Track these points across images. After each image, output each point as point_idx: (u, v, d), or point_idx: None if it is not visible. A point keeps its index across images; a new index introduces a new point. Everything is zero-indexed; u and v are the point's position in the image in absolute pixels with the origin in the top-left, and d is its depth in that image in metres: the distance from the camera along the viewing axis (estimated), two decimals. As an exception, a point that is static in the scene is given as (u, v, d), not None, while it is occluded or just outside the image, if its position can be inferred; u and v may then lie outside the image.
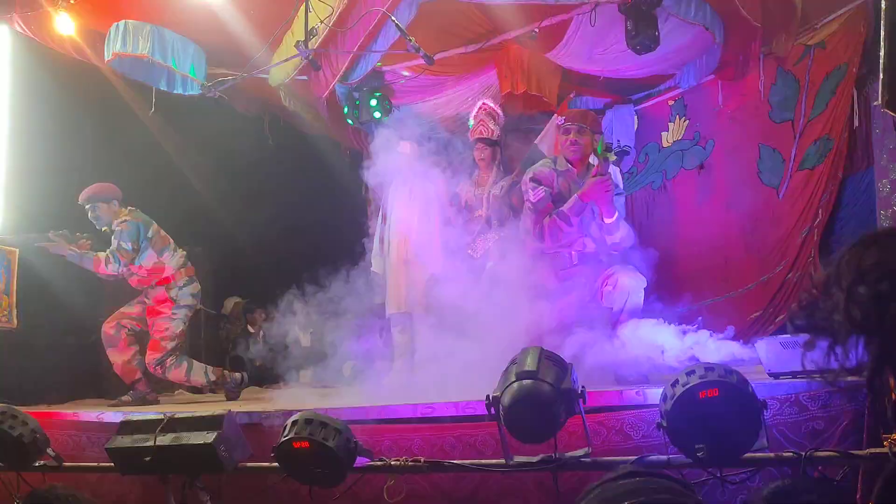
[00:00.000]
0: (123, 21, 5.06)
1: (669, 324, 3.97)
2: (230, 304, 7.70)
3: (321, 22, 4.54)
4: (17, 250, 5.62)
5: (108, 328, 5.20)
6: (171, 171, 6.48)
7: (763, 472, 2.63)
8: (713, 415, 2.36)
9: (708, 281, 5.70)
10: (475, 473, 3.09)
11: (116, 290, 6.56)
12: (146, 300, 5.25)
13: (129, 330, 5.19)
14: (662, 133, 6.22)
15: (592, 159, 4.22)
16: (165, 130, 6.27)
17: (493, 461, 2.93)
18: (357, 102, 5.80)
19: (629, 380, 3.80)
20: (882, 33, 2.71)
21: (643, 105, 6.34)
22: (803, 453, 2.46)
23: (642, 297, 4.16)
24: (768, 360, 3.17)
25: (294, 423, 2.89)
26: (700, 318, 4.18)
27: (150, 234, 5.13)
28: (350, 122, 6.09)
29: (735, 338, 3.84)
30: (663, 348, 3.84)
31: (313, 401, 4.44)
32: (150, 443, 3.11)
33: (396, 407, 3.58)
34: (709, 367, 2.46)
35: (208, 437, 3.01)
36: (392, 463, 2.97)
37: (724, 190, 5.73)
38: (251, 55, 5.03)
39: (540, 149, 5.93)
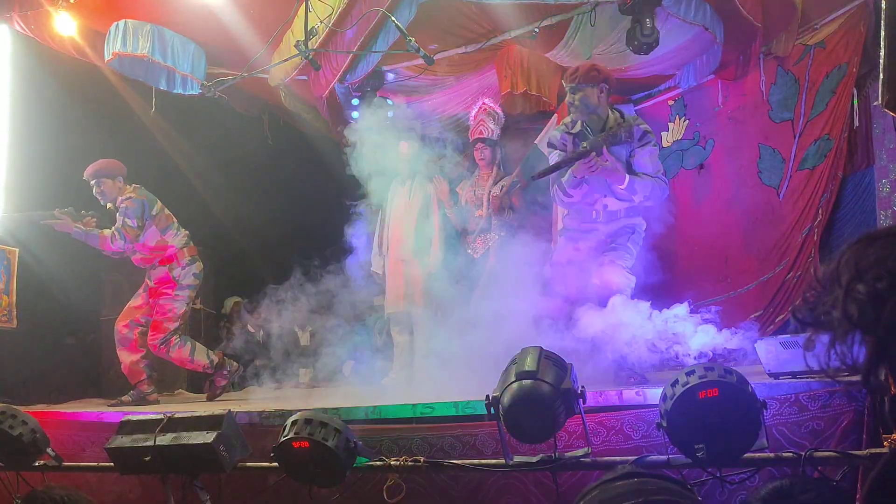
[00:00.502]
0: (123, 21, 5.06)
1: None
2: (230, 303, 7.70)
3: (321, 22, 4.54)
4: (17, 250, 5.63)
5: (121, 327, 5.19)
6: (170, 170, 6.48)
7: (763, 473, 2.63)
8: (713, 415, 2.36)
9: (708, 281, 5.69)
10: (475, 473, 3.09)
11: (116, 290, 6.57)
12: (149, 282, 5.22)
13: (141, 329, 5.18)
14: (662, 133, 6.21)
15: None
16: (165, 130, 6.27)
17: (493, 461, 2.94)
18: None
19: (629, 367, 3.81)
20: (882, 33, 2.71)
21: (643, 105, 6.34)
22: (803, 453, 2.46)
23: (627, 296, 4.16)
24: (768, 360, 3.17)
25: (294, 422, 2.89)
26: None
27: (154, 212, 5.13)
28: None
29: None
30: (636, 325, 3.87)
31: (297, 401, 4.44)
32: (150, 442, 3.11)
33: (396, 407, 3.58)
34: (708, 368, 2.46)
35: (208, 436, 3.01)
36: (392, 463, 2.97)
37: (724, 190, 5.72)
38: (251, 55, 5.03)
39: (540, 149, 5.93)
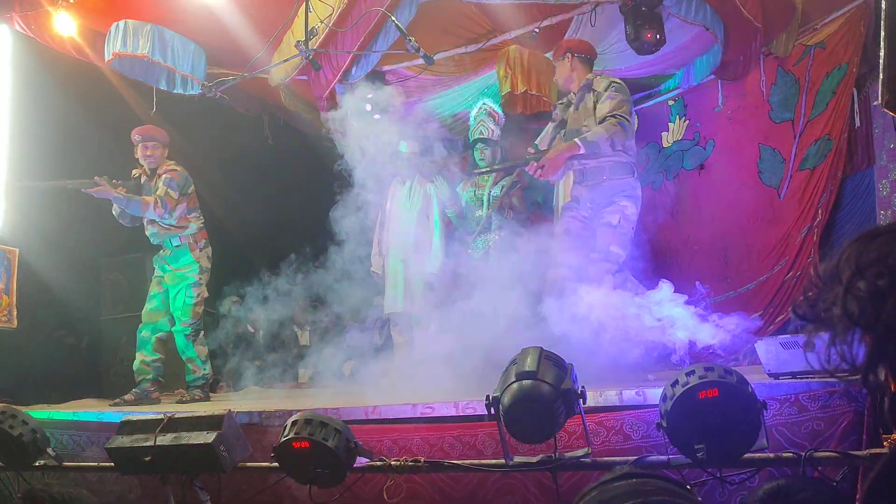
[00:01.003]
0: (123, 21, 5.06)
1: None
2: (229, 303, 7.69)
3: (321, 22, 4.54)
4: (17, 250, 5.63)
5: (143, 334, 5.17)
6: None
7: (763, 473, 2.63)
8: (713, 415, 2.36)
9: (708, 280, 5.69)
10: (475, 473, 3.09)
11: (116, 290, 6.58)
12: (161, 272, 5.20)
13: (162, 335, 5.18)
14: (662, 133, 6.22)
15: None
16: (165, 130, 6.26)
17: (493, 461, 2.94)
18: None
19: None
20: (882, 33, 2.71)
21: (643, 105, 6.34)
22: (803, 453, 2.46)
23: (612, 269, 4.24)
24: (768, 360, 3.16)
25: (294, 423, 2.89)
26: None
27: (189, 190, 5.20)
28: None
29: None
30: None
31: (297, 401, 4.44)
32: (150, 443, 3.11)
33: (396, 407, 3.58)
34: (708, 368, 2.46)
35: (208, 436, 3.01)
36: (392, 463, 2.97)
37: (724, 190, 5.73)
38: (251, 55, 5.03)
39: (540, 149, 5.93)
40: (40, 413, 4.12)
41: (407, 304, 5.49)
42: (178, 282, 5.16)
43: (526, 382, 2.52)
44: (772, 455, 2.51)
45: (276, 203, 7.05)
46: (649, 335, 3.89)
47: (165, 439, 3.09)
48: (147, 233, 5.22)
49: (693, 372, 2.46)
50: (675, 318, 3.91)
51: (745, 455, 2.44)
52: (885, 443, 2.51)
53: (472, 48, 5.43)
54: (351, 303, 5.54)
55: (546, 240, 5.25)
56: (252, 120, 6.84)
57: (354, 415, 3.51)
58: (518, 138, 6.15)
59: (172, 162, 5.21)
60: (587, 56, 4.46)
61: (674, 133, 6.15)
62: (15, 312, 5.54)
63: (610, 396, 3.18)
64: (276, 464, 2.97)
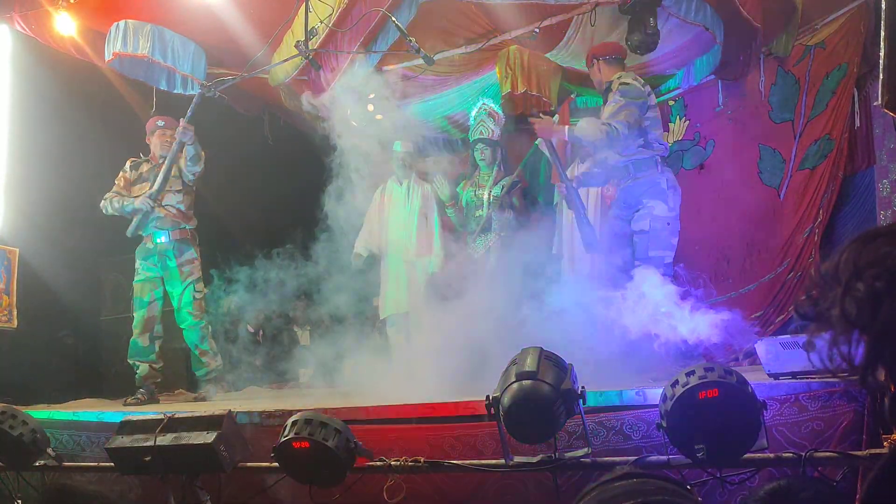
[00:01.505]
0: (124, 21, 5.06)
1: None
2: (229, 303, 7.69)
3: (321, 22, 4.54)
4: (18, 250, 5.63)
5: (143, 341, 5.13)
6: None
7: (763, 473, 2.63)
8: (713, 415, 2.36)
9: (709, 281, 5.70)
10: (475, 473, 3.09)
11: (116, 290, 6.58)
12: (172, 261, 5.13)
13: (160, 340, 5.20)
14: (663, 133, 6.21)
15: None
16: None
17: (493, 461, 2.94)
18: None
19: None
20: (882, 33, 2.71)
21: (643, 105, 6.33)
22: (803, 454, 2.47)
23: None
24: (768, 360, 3.16)
25: (294, 423, 2.89)
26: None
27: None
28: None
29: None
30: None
31: (297, 401, 4.44)
32: (150, 443, 3.11)
33: (396, 407, 3.58)
34: (708, 368, 2.46)
35: (208, 436, 3.01)
36: (392, 463, 2.98)
37: (724, 190, 5.72)
38: (251, 55, 5.03)
39: (540, 149, 5.93)
40: (40, 413, 4.12)
41: (407, 305, 5.49)
42: (184, 277, 5.14)
43: (526, 383, 2.52)
44: (772, 455, 2.51)
45: (277, 203, 7.05)
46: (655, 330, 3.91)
47: (165, 439, 3.10)
48: (153, 223, 5.12)
49: (693, 372, 2.46)
50: (657, 303, 3.92)
51: (745, 455, 2.44)
52: (885, 443, 2.51)
53: (472, 48, 5.43)
54: (351, 302, 5.53)
55: (546, 240, 5.26)
56: (252, 120, 6.83)
57: (354, 415, 3.51)
58: (518, 139, 6.16)
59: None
60: (612, 57, 4.52)
61: (674, 133, 6.15)
62: (15, 312, 5.54)
63: (610, 396, 3.18)
64: (276, 464, 2.98)
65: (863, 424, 2.73)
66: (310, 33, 4.41)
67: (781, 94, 5.49)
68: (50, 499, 1.93)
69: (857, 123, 5.19)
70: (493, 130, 5.62)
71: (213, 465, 3.04)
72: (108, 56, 5.14)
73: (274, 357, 5.96)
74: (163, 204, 5.11)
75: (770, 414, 2.80)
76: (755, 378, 2.79)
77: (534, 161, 6.02)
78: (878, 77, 2.84)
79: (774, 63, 5.49)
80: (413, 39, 4.31)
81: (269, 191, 7.10)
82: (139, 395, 4.95)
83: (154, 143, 5.22)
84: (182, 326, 5.20)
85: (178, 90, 5.48)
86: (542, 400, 2.49)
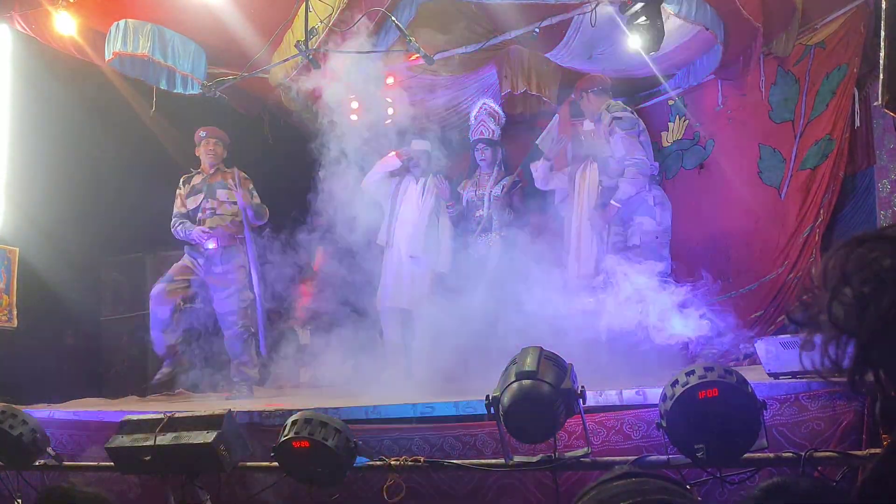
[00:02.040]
0: (124, 20, 5.05)
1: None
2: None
3: (321, 22, 4.53)
4: (18, 250, 5.62)
5: (160, 313, 5.29)
6: (171, 170, 6.47)
7: (763, 473, 2.63)
8: (713, 415, 2.36)
9: (709, 281, 5.69)
10: (475, 473, 3.09)
11: (116, 290, 6.58)
12: (223, 263, 5.24)
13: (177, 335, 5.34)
14: (662, 133, 6.21)
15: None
16: (166, 130, 6.26)
17: (493, 461, 2.94)
18: None
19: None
20: (882, 33, 2.71)
21: (643, 105, 6.33)
22: (803, 453, 2.47)
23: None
24: (768, 360, 3.17)
25: (294, 422, 2.89)
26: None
27: None
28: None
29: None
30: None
31: (297, 401, 4.44)
32: (150, 442, 3.11)
33: (396, 406, 3.58)
34: (708, 368, 2.46)
35: (208, 436, 3.01)
36: (392, 463, 2.98)
37: (724, 190, 5.72)
38: (251, 55, 5.02)
39: (541, 149, 5.93)
40: (40, 413, 4.12)
41: (408, 301, 5.48)
42: (229, 284, 5.24)
43: (526, 382, 2.52)
44: (772, 455, 2.52)
45: (277, 202, 7.04)
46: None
47: (165, 439, 3.09)
48: (206, 233, 5.25)
49: (693, 372, 2.46)
50: (646, 295, 4.05)
51: (745, 455, 2.44)
52: (884, 443, 2.51)
53: (472, 48, 5.42)
54: (351, 301, 5.54)
55: (546, 239, 5.26)
56: (252, 120, 6.83)
57: (354, 415, 3.51)
58: (519, 138, 6.17)
59: (238, 170, 5.44)
60: (598, 88, 5.04)
61: (673, 133, 6.15)
62: (15, 312, 5.54)
63: (610, 396, 3.19)
64: (276, 463, 2.98)
65: (863, 424, 2.73)
66: (310, 33, 4.41)
67: (781, 93, 5.49)
68: (47, 501, 1.93)
69: (858, 123, 5.18)
70: (493, 130, 5.62)
71: (213, 464, 3.04)
72: (108, 55, 5.13)
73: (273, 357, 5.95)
74: (217, 213, 5.28)
75: (770, 414, 2.80)
76: (755, 378, 2.79)
77: (534, 160, 6.02)
78: (878, 77, 2.84)
79: (774, 63, 5.49)
80: (413, 39, 4.31)
81: (270, 191, 7.10)
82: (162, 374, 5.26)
83: (200, 153, 5.41)
84: (226, 334, 5.29)
85: (178, 90, 5.48)
86: (542, 399, 2.49)
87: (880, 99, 2.84)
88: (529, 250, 5.15)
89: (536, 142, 5.97)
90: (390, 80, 5.68)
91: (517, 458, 2.78)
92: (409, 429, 3.42)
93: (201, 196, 5.33)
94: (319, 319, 5.83)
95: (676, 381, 2.48)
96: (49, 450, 3.54)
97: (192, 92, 5.42)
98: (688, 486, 1.06)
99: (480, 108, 5.70)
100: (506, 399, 2.53)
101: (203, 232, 5.19)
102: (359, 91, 5.21)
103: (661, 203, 4.79)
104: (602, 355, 5.03)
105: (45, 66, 5.74)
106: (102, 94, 5.96)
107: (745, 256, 5.60)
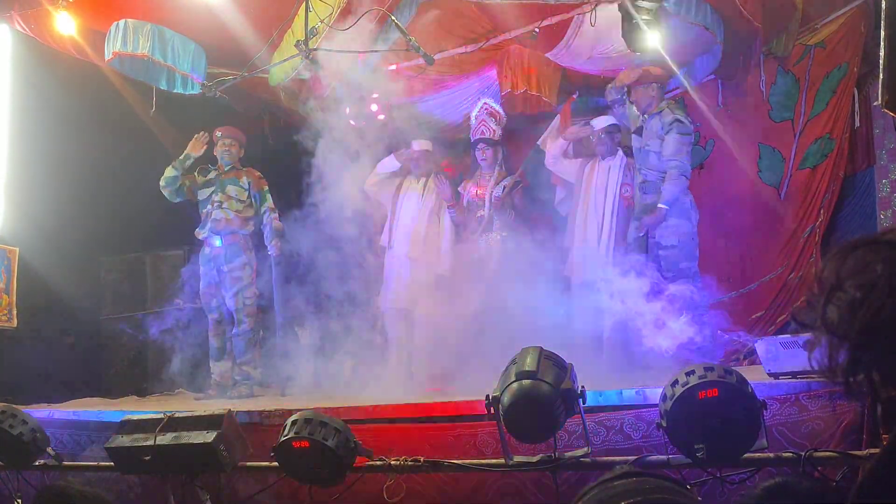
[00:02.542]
0: (123, 20, 5.05)
1: None
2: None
3: (321, 21, 4.53)
4: (17, 250, 5.62)
5: (216, 342, 5.36)
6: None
7: (763, 473, 2.63)
8: (713, 415, 2.36)
9: (710, 280, 5.69)
10: (475, 473, 3.09)
11: (117, 289, 6.58)
12: (228, 262, 5.29)
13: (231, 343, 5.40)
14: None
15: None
16: (166, 130, 6.26)
17: (493, 461, 2.94)
18: None
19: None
20: (882, 33, 2.71)
21: (643, 105, 6.32)
22: (803, 453, 2.46)
23: None
24: (768, 360, 3.17)
25: (294, 422, 2.89)
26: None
27: None
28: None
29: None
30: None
31: (297, 401, 4.44)
32: (150, 442, 3.11)
33: (396, 406, 3.58)
34: (708, 368, 2.46)
35: (208, 436, 3.01)
36: (392, 463, 2.97)
37: (724, 189, 5.72)
38: (251, 55, 5.02)
39: (542, 149, 5.92)
40: (40, 413, 4.12)
41: (408, 302, 5.48)
42: (234, 283, 5.27)
43: (526, 382, 2.52)
44: (772, 455, 2.51)
45: (277, 202, 7.04)
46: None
47: (165, 439, 3.09)
48: (210, 226, 5.31)
49: (693, 371, 2.46)
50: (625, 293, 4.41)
51: (745, 455, 2.44)
52: (884, 442, 2.51)
53: (472, 48, 5.42)
54: (350, 301, 5.53)
55: (547, 239, 5.26)
56: (252, 120, 6.83)
57: (354, 414, 3.51)
58: (520, 138, 6.16)
59: (254, 170, 5.55)
60: (664, 85, 5.07)
61: (674, 133, 6.14)
62: (15, 312, 5.54)
63: (610, 396, 3.19)
64: (276, 463, 2.97)
65: (863, 424, 2.73)
66: (310, 33, 4.40)
67: (781, 93, 5.49)
68: (44, 500, 1.93)
69: (857, 123, 5.18)
70: (494, 130, 5.62)
71: (213, 464, 3.04)
72: (107, 55, 5.13)
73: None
74: (223, 206, 5.32)
75: (770, 414, 2.80)
76: (755, 378, 2.79)
77: (535, 161, 6.02)
78: (878, 77, 2.84)
79: (774, 63, 5.49)
80: (413, 39, 4.31)
81: (270, 190, 7.09)
82: (209, 392, 5.23)
83: (217, 152, 5.49)
84: (231, 332, 5.33)
85: (178, 90, 5.47)
86: (542, 399, 2.49)
87: (880, 99, 2.84)
88: (530, 250, 5.15)
89: (538, 142, 5.97)
90: (390, 80, 5.67)
91: (517, 458, 2.77)
92: (409, 429, 3.42)
93: (211, 189, 5.39)
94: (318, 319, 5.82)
95: (676, 381, 2.48)
96: (49, 450, 3.54)
97: (192, 92, 5.41)
98: (688, 486, 1.07)
99: (481, 107, 5.69)
100: (506, 399, 2.53)
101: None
102: (358, 91, 5.20)
103: (694, 207, 4.92)
104: (604, 355, 5.05)
105: (45, 66, 5.73)
106: (102, 94, 5.96)
107: (746, 256, 5.60)
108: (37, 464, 3.57)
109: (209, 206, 5.37)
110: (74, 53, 5.46)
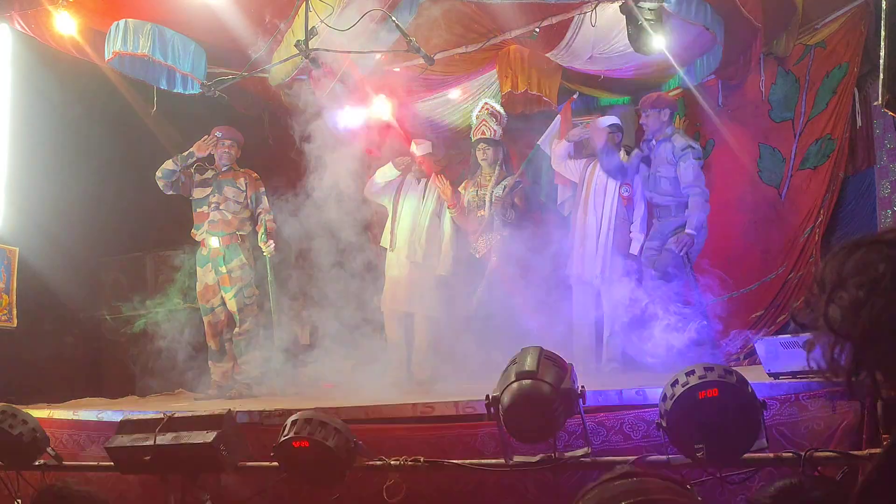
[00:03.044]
0: (124, 20, 5.05)
1: None
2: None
3: (321, 21, 4.53)
4: (17, 249, 5.62)
5: (213, 345, 5.33)
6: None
7: (762, 473, 2.63)
8: (713, 415, 2.36)
9: (710, 280, 5.69)
10: (475, 473, 3.08)
11: (116, 290, 6.57)
12: (227, 262, 5.28)
13: (230, 343, 5.37)
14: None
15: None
16: (166, 129, 6.26)
17: (493, 461, 2.93)
18: None
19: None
20: (882, 33, 2.71)
21: (644, 105, 6.32)
22: (803, 453, 2.46)
23: None
24: (768, 360, 3.16)
25: (294, 422, 2.89)
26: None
27: None
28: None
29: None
30: None
31: (297, 401, 4.44)
32: (150, 442, 3.11)
33: (396, 406, 3.58)
34: (708, 368, 2.46)
35: (208, 436, 3.01)
36: (392, 463, 2.97)
37: (724, 189, 5.72)
38: (251, 55, 5.02)
39: (542, 149, 5.93)
40: (40, 413, 4.11)
41: (409, 303, 5.48)
42: (234, 282, 5.27)
43: (525, 382, 2.52)
44: (772, 455, 2.51)
45: (277, 202, 7.04)
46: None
47: (165, 439, 3.09)
48: (207, 226, 5.30)
49: (693, 371, 2.46)
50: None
51: (745, 455, 2.44)
52: (884, 442, 2.51)
53: (472, 48, 5.42)
54: (350, 301, 5.53)
55: (547, 239, 5.26)
56: (252, 120, 6.83)
57: (354, 414, 3.51)
58: (520, 138, 6.16)
59: (251, 171, 5.54)
60: (671, 109, 5.16)
61: (674, 132, 6.14)
62: (15, 312, 5.54)
63: (610, 396, 3.19)
64: (276, 464, 2.97)
65: (863, 424, 2.73)
66: (310, 33, 4.40)
67: (781, 93, 5.49)
68: (42, 501, 1.93)
69: (859, 123, 5.19)
70: (494, 130, 5.62)
71: (213, 464, 3.04)
72: (108, 55, 5.13)
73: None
74: (220, 207, 5.31)
75: (770, 414, 2.80)
76: (755, 378, 2.78)
77: (536, 161, 6.03)
78: (878, 77, 2.84)
79: (774, 63, 5.49)
80: (413, 39, 4.31)
81: (269, 189, 7.10)
82: (209, 392, 5.21)
83: (215, 152, 5.45)
84: (235, 333, 5.32)
85: (179, 89, 5.48)
86: (542, 399, 2.49)
87: (880, 98, 2.84)
88: (531, 250, 5.15)
89: (538, 142, 5.97)
90: (391, 80, 5.68)
91: (517, 458, 2.77)
92: (409, 429, 3.42)
93: (209, 190, 5.38)
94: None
95: (676, 381, 2.47)
96: (49, 449, 3.54)
97: (192, 92, 5.42)
98: (688, 486, 1.07)
99: (482, 107, 5.69)
100: (506, 399, 2.53)
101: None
102: (358, 91, 5.20)
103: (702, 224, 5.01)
104: (604, 354, 5.06)
105: (45, 66, 5.73)
106: (102, 94, 5.96)
107: (746, 256, 5.60)
108: (37, 464, 3.56)
109: (205, 207, 5.35)
110: (74, 53, 5.45)
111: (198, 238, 5.39)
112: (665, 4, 4.40)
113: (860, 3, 5.10)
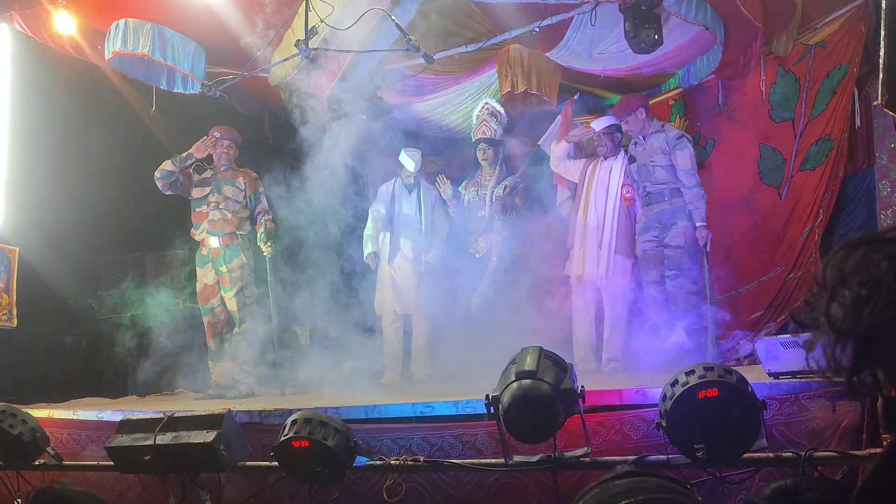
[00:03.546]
0: (123, 20, 5.05)
1: None
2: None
3: (321, 21, 4.53)
4: (17, 249, 5.62)
5: (212, 345, 5.32)
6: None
7: (762, 473, 2.63)
8: (713, 415, 2.36)
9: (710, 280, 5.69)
10: (475, 473, 3.08)
11: (117, 289, 6.57)
12: (227, 262, 5.27)
13: (230, 343, 5.34)
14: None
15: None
16: (166, 129, 6.26)
17: (493, 461, 2.93)
18: None
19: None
20: (882, 33, 2.71)
21: (643, 105, 6.32)
22: (803, 453, 2.46)
23: None
24: (768, 360, 3.16)
25: (294, 422, 2.89)
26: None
27: None
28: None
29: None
30: None
31: (297, 400, 4.44)
32: (150, 441, 3.11)
33: (396, 406, 3.58)
34: (708, 367, 2.46)
35: (208, 435, 3.01)
36: (392, 462, 2.97)
37: (724, 190, 5.71)
38: (251, 55, 5.02)
39: (543, 149, 5.92)
40: (40, 412, 4.12)
41: (404, 306, 5.48)
42: (233, 282, 5.26)
43: (525, 382, 2.52)
44: (772, 455, 2.51)
45: (277, 202, 7.04)
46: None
47: (165, 438, 3.09)
48: (207, 226, 5.29)
49: (693, 371, 2.46)
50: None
51: (745, 455, 2.44)
52: (884, 442, 2.50)
53: (472, 48, 5.42)
54: (350, 301, 5.54)
55: (547, 239, 5.26)
56: (252, 119, 6.83)
57: (354, 414, 3.51)
58: (520, 138, 6.16)
59: (250, 171, 5.53)
60: (645, 105, 5.25)
61: (674, 132, 6.14)
62: (15, 312, 5.54)
63: (609, 396, 3.19)
64: (276, 463, 2.97)
65: (863, 424, 2.73)
66: (310, 32, 4.40)
67: (782, 93, 5.48)
68: (39, 501, 1.93)
69: (858, 123, 5.18)
70: (495, 130, 5.61)
71: (213, 464, 3.04)
72: (107, 55, 5.13)
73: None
74: (220, 207, 5.30)
75: (770, 414, 2.80)
76: (755, 378, 2.79)
77: (535, 161, 6.02)
78: (878, 77, 2.83)
79: (774, 62, 5.48)
80: (413, 39, 4.31)
81: (268, 189, 7.10)
82: (209, 392, 5.19)
83: (215, 153, 5.44)
84: (231, 332, 5.32)
85: (178, 89, 5.48)
86: (542, 399, 2.49)
87: (880, 98, 2.84)
88: (531, 250, 5.15)
89: (539, 142, 5.97)
90: (391, 79, 5.68)
91: (517, 458, 2.77)
92: (408, 428, 3.42)
93: (208, 189, 5.37)
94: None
95: (676, 381, 2.47)
96: (49, 449, 3.54)
97: (192, 92, 5.42)
98: (688, 486, 1.07)
99: (482, 107, 5.70)
100: (505, 399, 2.53)
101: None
102: (358, 91, 5.20)
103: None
104: (604, 354, 5.05)
105: (45, 66, 5.73)
106: (102, 94, 5.96)
107: (745, 256, 5.59)
108: (36, 463, 3.57)
109: (204, 206, 5.33)
110: (74, 53, 5.45)
111: (197, 238, 5.38)
112: (665, 3, 4.40)
113: (860, 3, 5.09)
